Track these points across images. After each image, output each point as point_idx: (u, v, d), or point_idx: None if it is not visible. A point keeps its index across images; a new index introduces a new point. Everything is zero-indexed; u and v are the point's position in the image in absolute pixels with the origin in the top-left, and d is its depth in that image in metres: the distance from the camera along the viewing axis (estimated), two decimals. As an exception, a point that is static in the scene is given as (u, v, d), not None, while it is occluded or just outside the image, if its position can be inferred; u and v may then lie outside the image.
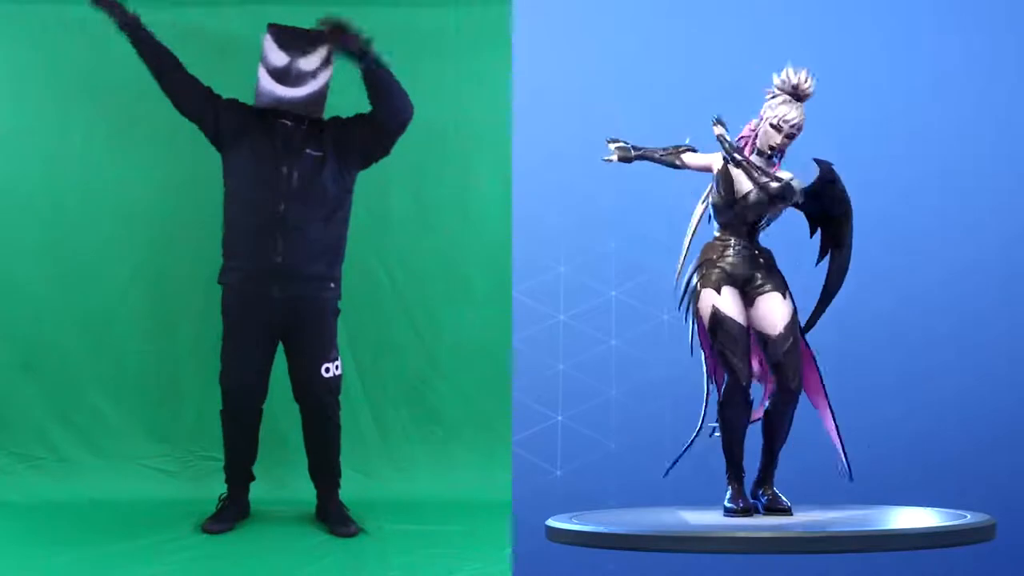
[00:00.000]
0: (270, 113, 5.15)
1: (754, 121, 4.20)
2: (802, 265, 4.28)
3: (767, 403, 4.20)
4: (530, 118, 5.08)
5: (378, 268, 5.91)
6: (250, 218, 5.15)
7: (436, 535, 5.27)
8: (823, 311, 4.26)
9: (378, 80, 5.13)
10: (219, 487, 5.44)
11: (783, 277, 4.23)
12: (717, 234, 4.24)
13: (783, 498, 4.18)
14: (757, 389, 4.22)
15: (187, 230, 5.74)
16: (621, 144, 4.24)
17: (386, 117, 5.19)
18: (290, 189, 5.13)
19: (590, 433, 5.06)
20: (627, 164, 4.25)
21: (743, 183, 4.17)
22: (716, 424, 4.18)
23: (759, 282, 4.20)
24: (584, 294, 5.12)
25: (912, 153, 5.11)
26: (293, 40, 5.12)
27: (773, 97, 4.17)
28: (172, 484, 5.79)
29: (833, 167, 4.19)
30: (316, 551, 5.08)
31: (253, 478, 5.46)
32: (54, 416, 5.84)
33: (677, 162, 4.23)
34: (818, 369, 4.22)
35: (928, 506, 4.37)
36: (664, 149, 4.24)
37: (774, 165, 4.18)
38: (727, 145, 4.17)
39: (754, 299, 4.19)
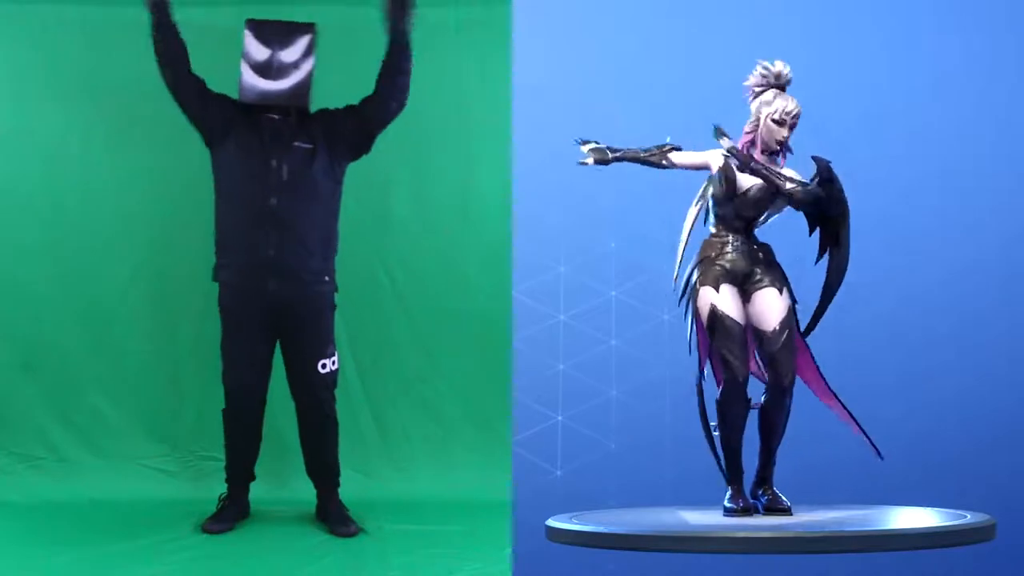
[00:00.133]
0: (256, 108, 5.16)
1: (749, 123, 4.20)
2: (802, 262, 4.28)
3: (762, 399, 4.20)
4: (530, 118, 5.07)
5: (378, 268, 5.92)
6: (241, 213, 5.15)
7: (436, 535, 5.27)
8: (825, 309, 4.26)
9: (401, 59, 5.16)
10: (219, 487, 5.44)
11: (782, 271, 4.23)
12: (713, 230, 4.24)
13: (783, 498, 4.18)
14: (756, 388, 4.23)
15: (187, 230, 5.74)
16: (594, 146, 4.19)
17: (387, 96, 5.20)
18: (280, 182, 5.14)
19: (590, 433, 5.06)
20: (607, 166, 4.19)
21: (744, 179, 4.16)
22: (715, 424, 4.18)
23: (757, 277, 4.19)
24: (584, 294, 5.12)
25: (912, 153, 5.10)
26: (273, 33, 5.13)
27: (760, 94, 4.17)
28: (172, 484, 5.79)
29: (831, 166, 4.19)
30: (316, 551, 5.08)
31: (254, 478, 5.46)
32: (54, 416, 5.85)
33: (664, 162, 4.19)
34: (816, 364, 4.22)
35: (928, 506, 4.37)
36: (646, 150, 4.21)
37: (779, 163, 4.18)
38: (741, 157, 4.14)
39: (751, 294, 4.19)
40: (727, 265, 4.18)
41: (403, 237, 5.92)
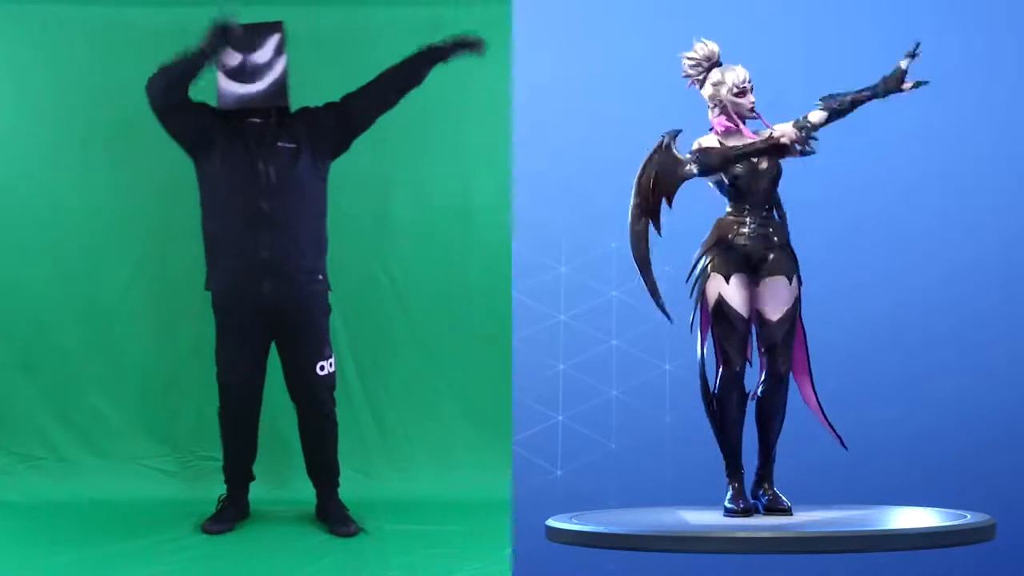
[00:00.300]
0: (236, 114, 5.15)
1: (713, 110, 4.19)
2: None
3: (758, 390, 4.19)
4: (530, 118, 5.07)
5: (378, 268, 5.92)
6: (232, 218, 5.14)
7: (436, 535, 5.27)
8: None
9: (420, 78, 5.25)
10: (219, 487, 5.44)
11: (795, 257, 4.20)
12: (729, 209, 4.22)
13: (783, 498, 4.18)
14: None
15: (187, 230, 5.71)
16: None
17: (382, 103, 5.24)
18: (269, 185, 5.13)
19: (590, 433, 5.05)
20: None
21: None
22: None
23: (769, 264, 4.18)
24: (584, 294, 5.11)
25: (912, 153, 5.10)
26: (241, 38, 5.11)
27: (703, 79, 4.18)
28: (172, 484, 5.79)
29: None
30: (316, 551, 5.08)
31: (253, 478, 5.46)
32: (54, 416, 5.85)
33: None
34: (807, 348, 4.21)
35: (928, 506, 4.37)
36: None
37: (767, 124, 4.14)
38: (728, 154, 4.13)
39: (762, 279, 4.17)
40: (741, 251, 4.17)
41: (403, 237, 5.92)
